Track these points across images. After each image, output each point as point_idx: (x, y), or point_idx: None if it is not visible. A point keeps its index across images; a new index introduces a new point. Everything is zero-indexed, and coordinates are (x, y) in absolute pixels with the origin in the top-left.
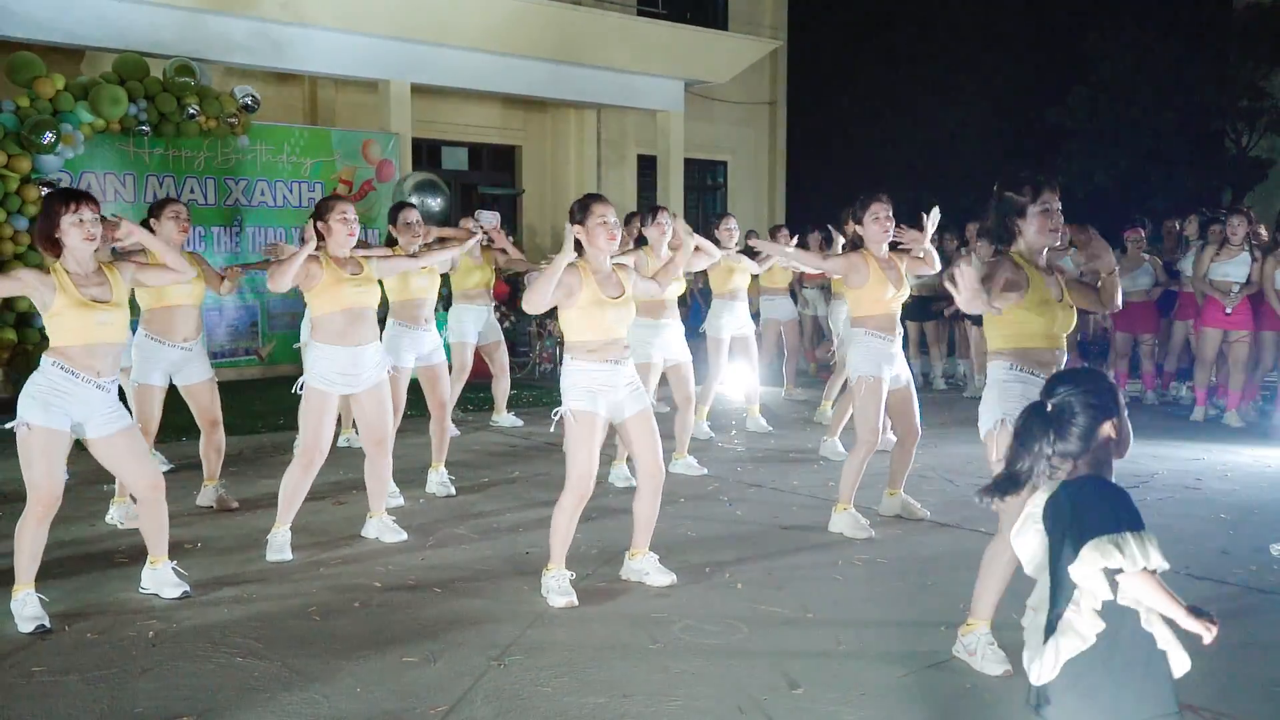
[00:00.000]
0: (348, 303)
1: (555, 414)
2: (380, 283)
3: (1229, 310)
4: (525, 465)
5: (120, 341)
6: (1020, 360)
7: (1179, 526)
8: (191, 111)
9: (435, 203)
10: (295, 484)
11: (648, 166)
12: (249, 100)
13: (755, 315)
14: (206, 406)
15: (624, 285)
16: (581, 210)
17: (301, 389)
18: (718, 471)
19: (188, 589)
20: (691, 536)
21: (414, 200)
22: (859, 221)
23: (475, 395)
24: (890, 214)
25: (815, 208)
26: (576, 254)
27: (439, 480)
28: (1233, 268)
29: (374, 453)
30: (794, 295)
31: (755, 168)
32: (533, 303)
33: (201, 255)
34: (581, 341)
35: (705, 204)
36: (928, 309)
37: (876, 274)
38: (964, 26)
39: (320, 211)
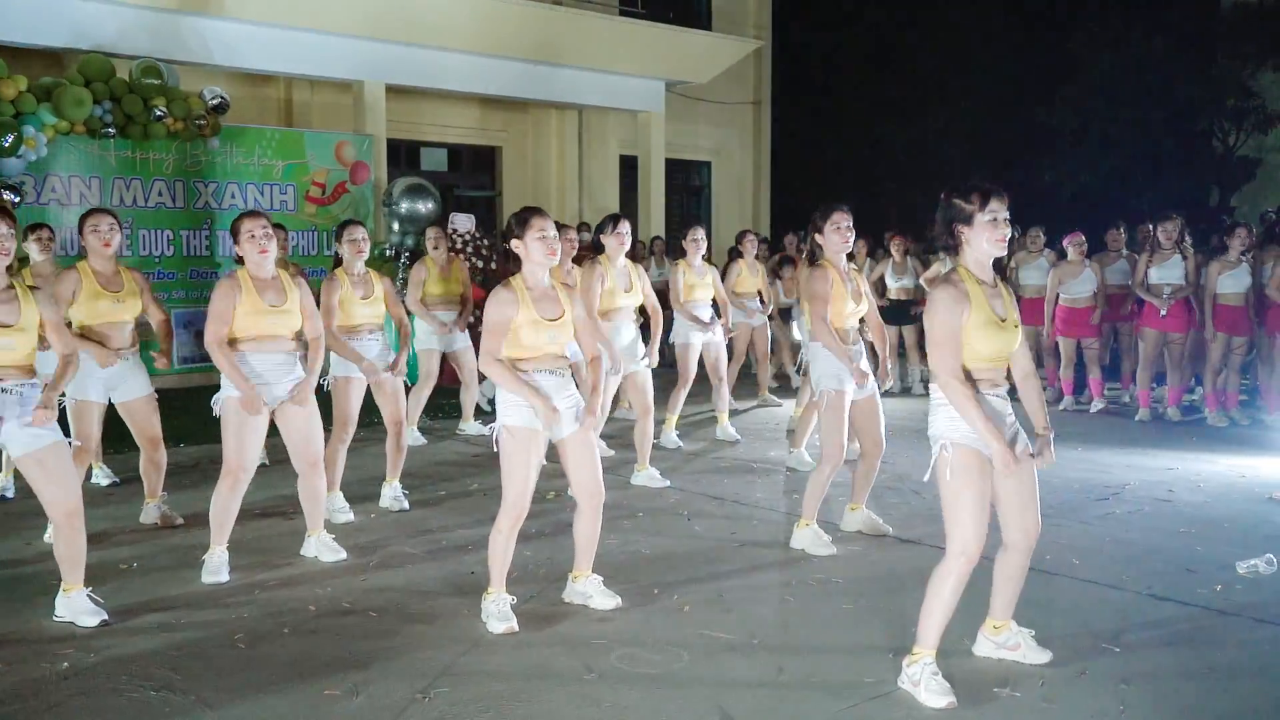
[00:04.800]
0: (265, 331)
1: (489, 429)
2: None
3: (1163, 313)
4: (485, 478)
5: (17, 364)
6: (971, 383)
7: (1146, 542)
8: (158, 113)
9: (425, 207)
10: (223, 504)
11: (630, 167)
12: (218, 101)
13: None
14: (145, 424)
15: (563, 305)
16: (519, 224)
17: (219, 405)
18: (681, 483)
19: (106, 616)
20: (644, 554)
21: (403, 205)
22: (819, 231)
23: (446, 403)
24: (851, 225)
25: (800, 209)
26: (514, 269)
27: (392, 495)
28: (1165, 271)
29: (307, 472)
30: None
31: (740, 169)
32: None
33: (144, 278)
34: (515, 359)
35: (689, 206)
36: (906, 313)
37: (838, 287)
38: (951, 25)
39: (234, 231)
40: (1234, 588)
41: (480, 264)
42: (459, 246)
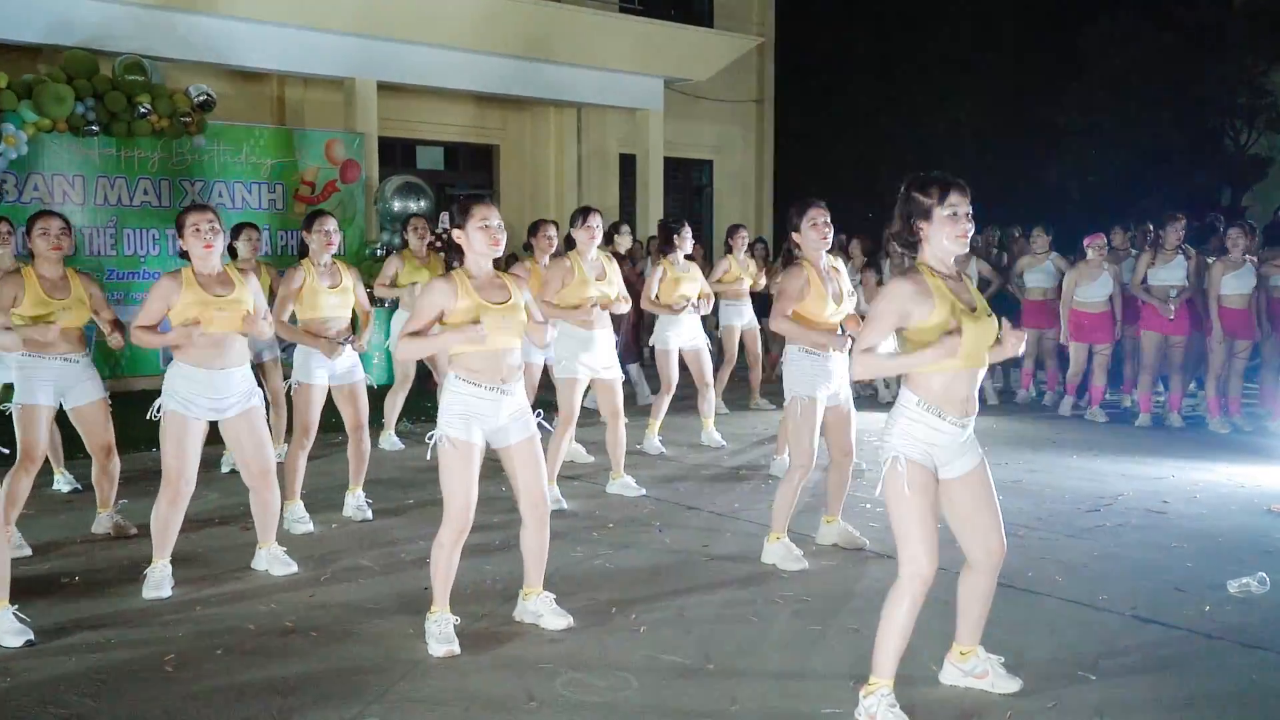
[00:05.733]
0: (211, 325)
1: (430, 439)
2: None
3: (1172, 316)
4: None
5: None
6: (932, 394)
7: (1135, 558)
8: (143, 110)
9: (418, 205)
10: (164, 518)
11: (630, 166)
12: (204, 98)
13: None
14: (97, 430)
15: (511, 291)
16: (461, 213)
17: (159, 413)
18: (657, 491)
19: (31, 636)
20: (607, 569)
21: (395, 204)
22: (796, 229)
23: (428, 406)
24: (829, 221)
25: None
26: (456, 263)
27: (355, 504)
28: (1168, 272)
29: (257, 485)
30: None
31: (742, 167)
32: (401, 353)
33: (94, 284)
34: (461, 357)
35: (691, 205)
36: None
37: (816, 287)
38: (958, 21)
39: (178, 225)
40: (1223, 609)
41: None
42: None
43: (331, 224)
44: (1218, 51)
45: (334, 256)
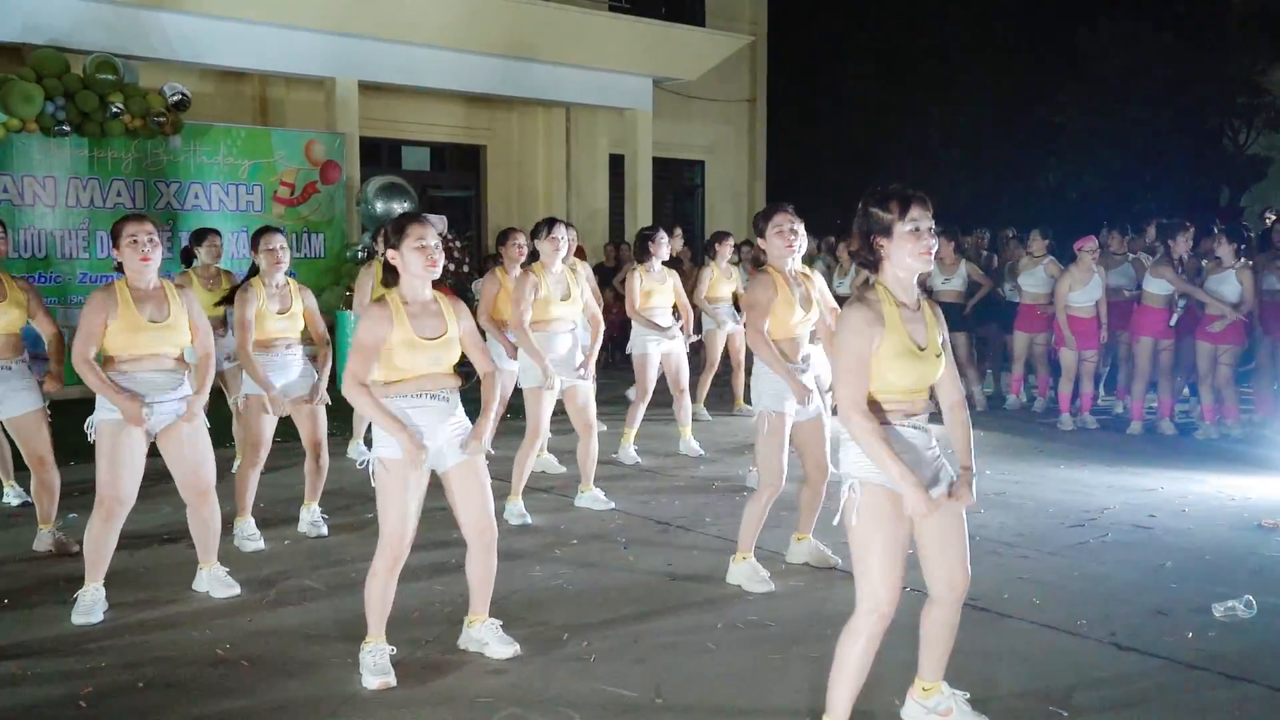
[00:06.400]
0: (143, 349)
1: (360, 463)
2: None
3: (1171, 323)
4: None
5: None
6: (879, 415)
7: (1117, 578)
8: (115, 110)
9: (400, 207)
10: (97, 538)
11: (622, 167)
12: (179, 98)
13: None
14: (32, 442)
15: (447, 323)
16: (395, 232)
17: (93, 430)
18: (628, 505)
19: None
20: (565, 590)
21: (378, 205)
22: (761, 234)
23: None
24: (795, 227)
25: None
26: (389, 285)
27: (310, 519)
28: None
29: (196, 503)
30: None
31: (734, 168)
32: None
33: (31, 288)
34: (390, 383)
35: (682, 206)
36: (957, 317)
37: (784, 293)
38: (954, 20)
39: (114, 235)
40: (1206, 635)
41: (451, 266)
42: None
43: (278, 240)
44: (1217, 51)
45: (288, 275)
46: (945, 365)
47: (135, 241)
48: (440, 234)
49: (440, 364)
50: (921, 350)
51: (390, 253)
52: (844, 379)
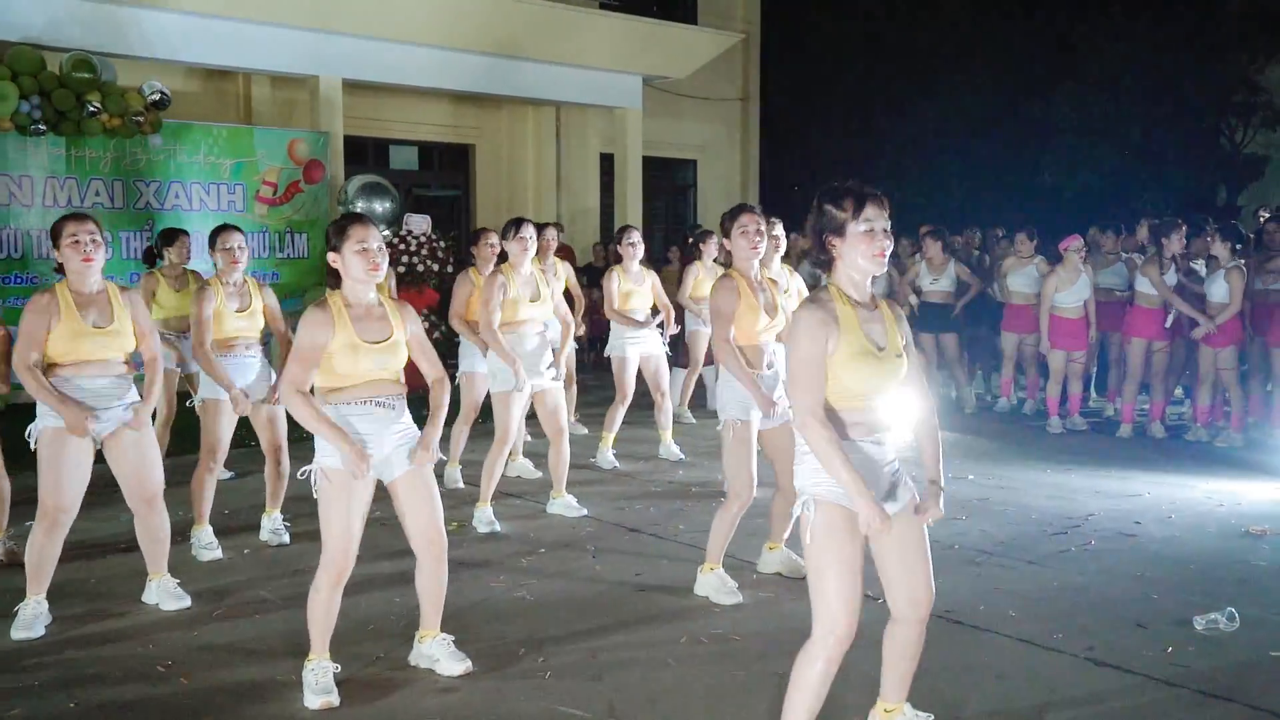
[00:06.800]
0: (86, 355)
1: (303, 473)
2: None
3: (1168, 324)
4: (388, 504)
5: None
6: (838, 426)
7: (1097, 589)
8: (92, 109)
9: (381, 207)
10: (39, 549)
11: (612, 166)
12: (159, 96)
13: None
14: None
15: (393, 327)
16: (337, 234)
17: (34, 437)
18: (601, 511)
19: None
20: (526, 602)
21: (359, 204)
22: (727, 235)
23: None
24: (761, 229)
25: (791, 209)
26: (333, 287)
27: (272, 527)
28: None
29: (143, 511)
30: None
31: (728, 167)
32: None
33: None
34: (332, 389)
35: (675, 205)
36: (945, 318)
37: (747, 299)
38: (948, 16)
39: (54, 235)
40: (1186, 649)
41: (436, 266)
42: (414, 249)
43: (236, 239)
44: (1214, 48)
45: (245, 276)
46: (910, 368)
47: (77, 241)
48: (423, 234)
49: (385, 369)
50: (881, 350)
51: (332, 255)
52: (799, 384)
